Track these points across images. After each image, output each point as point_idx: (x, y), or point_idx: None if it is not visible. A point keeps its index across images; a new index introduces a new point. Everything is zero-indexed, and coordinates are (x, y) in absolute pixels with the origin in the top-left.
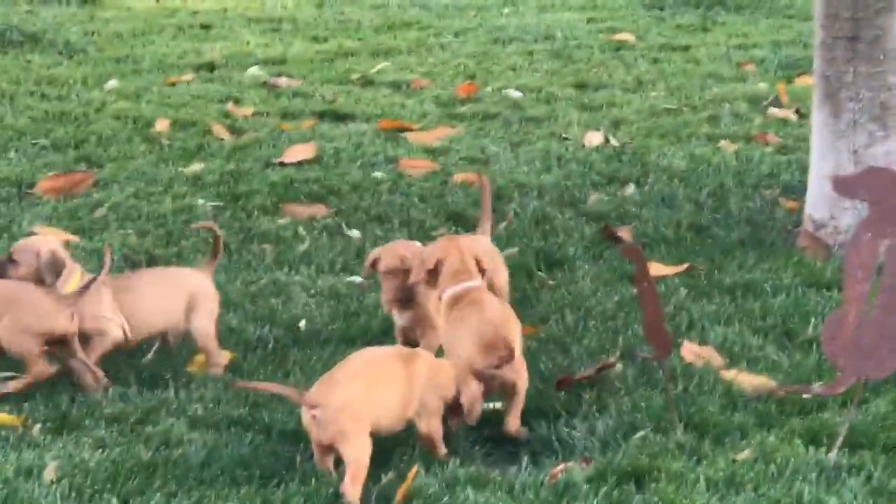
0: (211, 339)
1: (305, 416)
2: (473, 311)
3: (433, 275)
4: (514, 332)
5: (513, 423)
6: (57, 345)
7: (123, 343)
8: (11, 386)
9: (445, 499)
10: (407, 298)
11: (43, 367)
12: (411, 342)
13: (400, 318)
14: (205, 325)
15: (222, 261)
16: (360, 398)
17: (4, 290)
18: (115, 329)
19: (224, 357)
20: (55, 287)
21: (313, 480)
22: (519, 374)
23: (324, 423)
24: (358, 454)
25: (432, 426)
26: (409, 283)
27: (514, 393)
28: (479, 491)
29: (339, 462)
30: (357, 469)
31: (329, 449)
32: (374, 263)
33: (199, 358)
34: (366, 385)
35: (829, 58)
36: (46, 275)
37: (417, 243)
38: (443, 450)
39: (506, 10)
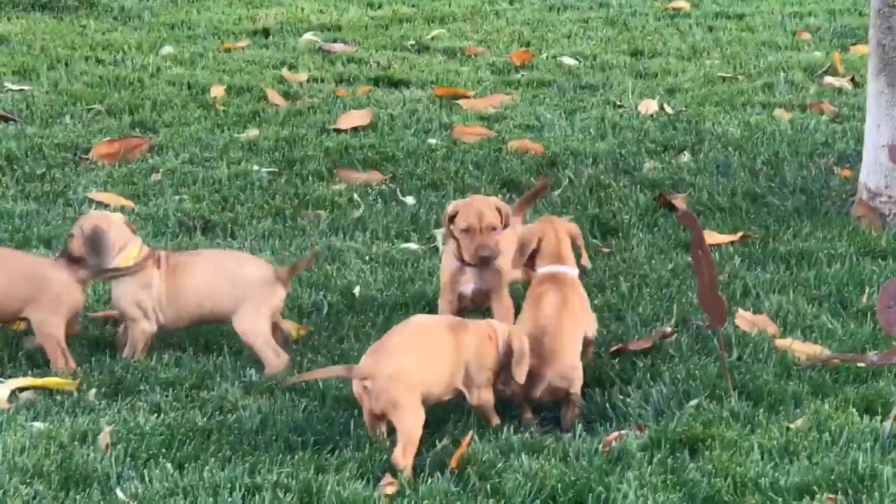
0: (257, 337)
1: (356, 386)
2: (539, 301)
3: (530, 254)
4: (567, 335)
5: (566, 424)
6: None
7: (157, 332)
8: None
9: (499, 465)
10: (490, 258)
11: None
12: (466, 313)
13: (472, 282)
14: (249, 320)
15: (277, 226)
16: (410, 368)
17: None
18: (143, 322)
19: (281, 360)
20: (97, 261)
21: (367, 447)
22: (570, 380)
23: (375, 393)
24: (409, 424)
25: (483, 397)
26: (514, 257)
27: (567, 399)
28: (533, 457)
29: (392, 430)
30: (408, 438)
31: (381, 418)
32: (453, 218)
33: None
34: (416, 354)
35: (886, 26)
36: (86, 250)
37: (495, 199)
38: (496, 419)
39: None
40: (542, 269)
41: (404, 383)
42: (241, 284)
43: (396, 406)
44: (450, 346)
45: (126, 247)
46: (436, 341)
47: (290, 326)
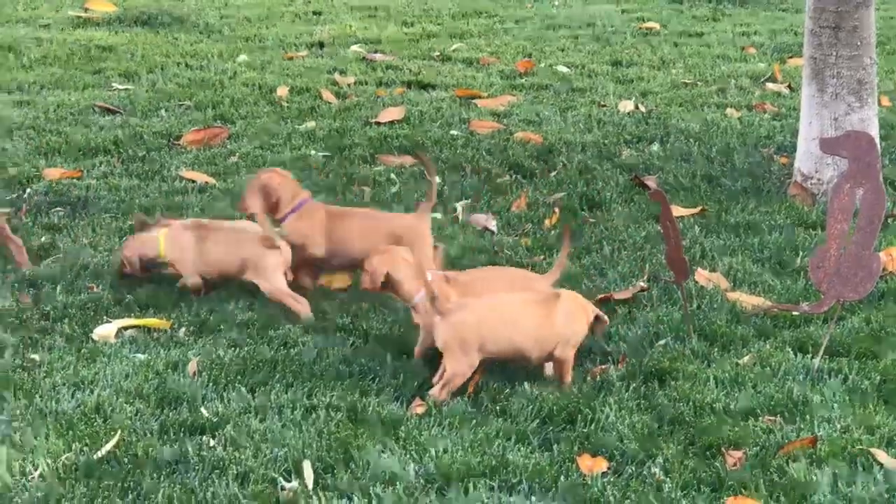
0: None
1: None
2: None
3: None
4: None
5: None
6: None
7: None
8: None
9: (507, 390)
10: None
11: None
12: None
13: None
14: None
15: (329, 198)
16: (477, 322)
17: None
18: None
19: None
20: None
21: (402, 376)
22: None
23: (438, 330)
24: (456, 368)
25: (567, 353)
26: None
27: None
28: (534, 386)
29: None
30: (451, 379)
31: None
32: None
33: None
34: (492, 313)
35: (817, 43)
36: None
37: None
38: (569, 380)
39: (556, 3)
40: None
41: (464, 332)
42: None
43: (450, 350)
44: (535, 316)
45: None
46: (519, 309)
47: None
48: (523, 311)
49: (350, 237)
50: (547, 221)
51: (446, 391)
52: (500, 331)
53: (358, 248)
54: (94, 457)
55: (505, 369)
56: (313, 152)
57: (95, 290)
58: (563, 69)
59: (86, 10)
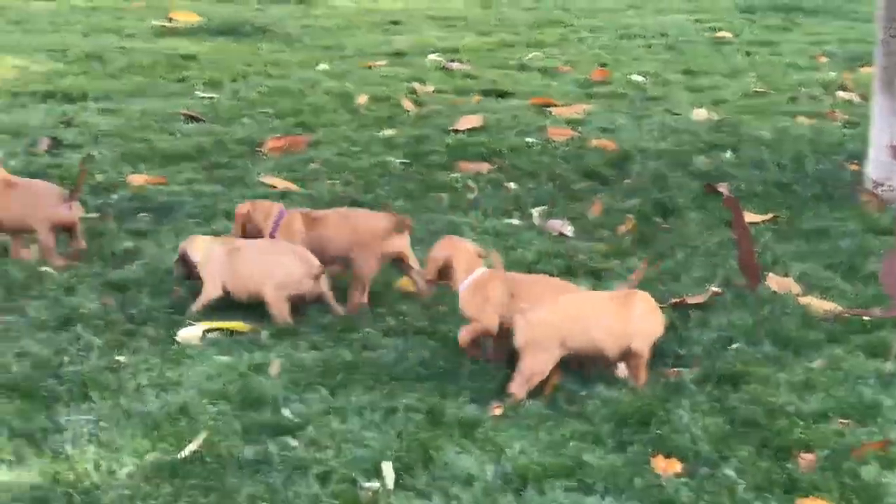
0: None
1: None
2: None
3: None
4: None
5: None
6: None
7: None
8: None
9: (583, 392)
10: None
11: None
12: None
13: None
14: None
15: (409, 205)
16: (558, 319)
17: None
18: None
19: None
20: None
21: (479, 378)
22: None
23: (518, 328)
24: (535, 366)
25: (643, 349)
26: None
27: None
28: (609, 388)
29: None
30: (529, 376)
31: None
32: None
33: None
34: (571, 310)
35: (888, 52)
36: None
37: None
38: (644, 379)
39: (630, 13)
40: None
41: (543, 331)
42: None
43: (529, 347)
44: (611, 314)
45: None
46: (596, 308)
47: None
48: (601, 307)
49: (327, 237)
50: (621, 227)
51: (525, 388)
52: (580, 327)
53: (335, 246)
54: (179, 456)
55: (580, 373)
56: (392, 159)
57: (180, 293)
58: (637, 78)
59: (170, 20)
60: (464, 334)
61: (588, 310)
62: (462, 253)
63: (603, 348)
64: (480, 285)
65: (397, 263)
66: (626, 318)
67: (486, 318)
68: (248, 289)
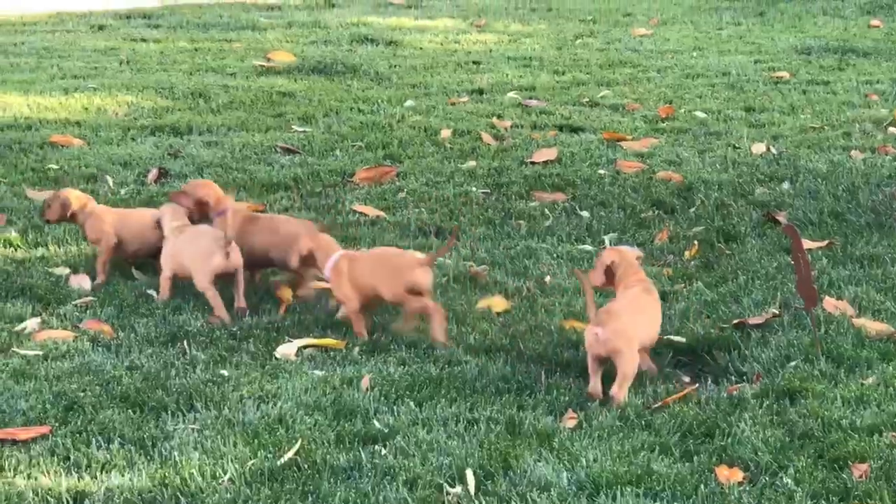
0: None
1: (589, 335)
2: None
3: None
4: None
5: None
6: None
7: None
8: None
9: (656, 405)
10: None
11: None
12: None
13: None
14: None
15: (490, 231)
16: (630, 324)
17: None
18: None
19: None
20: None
21: (555, 391)
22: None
23: (603, 341)
24: (628, 366)
25: None
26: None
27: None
28: (677, 403)
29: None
30: (625, 378)
31: (603, 361)
32: None
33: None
34: (633, 314)
35: None
36: None
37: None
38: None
39: (695, 54)
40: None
41: (625, 335)
42: None
43: (619, 352)
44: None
45: None
46: (645, 304)
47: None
48: (654, 306)
49: (252, 239)
50: (687, 253)
51: (624, 390)
52: (647, 327)
53: (258, 248)
54: (277, 463)
55: (654, 387)
56: (474, 189)
57: (282, 312)
58: (700, 115)
59: (268, 60)
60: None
61: (650, 310)
62: (322, 241)
63: (653, 343)
64: (338, 268)
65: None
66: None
67: (344, 297)
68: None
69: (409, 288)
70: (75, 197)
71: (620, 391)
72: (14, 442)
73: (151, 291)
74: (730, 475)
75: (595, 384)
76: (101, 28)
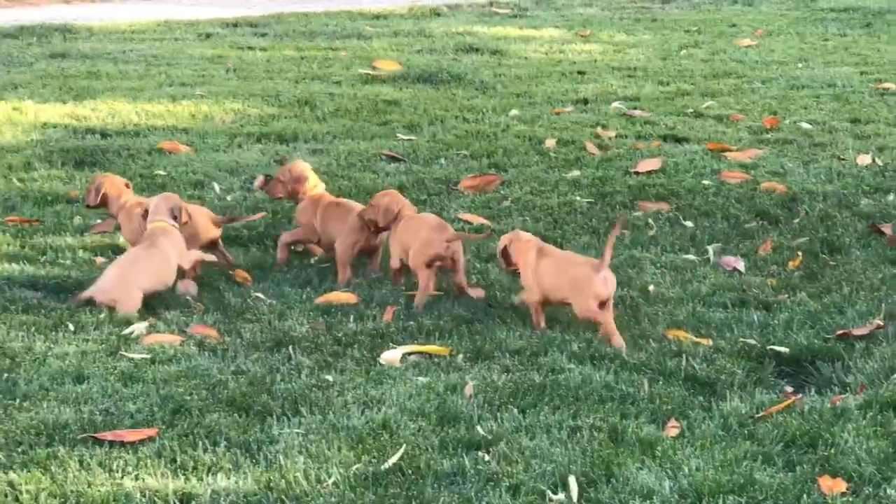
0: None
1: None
2: None
3: None
4: None
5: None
6: None
7: None
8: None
9: (759, 415)
10: None
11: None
12: None
13: None
14: None
15: (593, 241)
16: None
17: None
18: None
19: None
20: None
21: (657, 400)
22: None
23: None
24: None
25: None
26: None
27: None
28: (780, 413)
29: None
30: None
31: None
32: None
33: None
34: None
35: None
36: None
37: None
38: None
39: (800, 65)
40: None
41: None
42: None
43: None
44: None
45: None
46: None
47: None
48: None
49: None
50: (791, 263)
51: None
52: None
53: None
54: (381, 468)
55: (753, 395)
56: (578, 198)
57: (388, 318)
58: (805, 125)
59: (374, 68)
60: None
61: None
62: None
63: None
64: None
65: None
66: None
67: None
68: None
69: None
70: (110, 183)
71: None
72: (122, 444)
73: (259, 294)
74: (833, 486)
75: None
76: (208, 36)
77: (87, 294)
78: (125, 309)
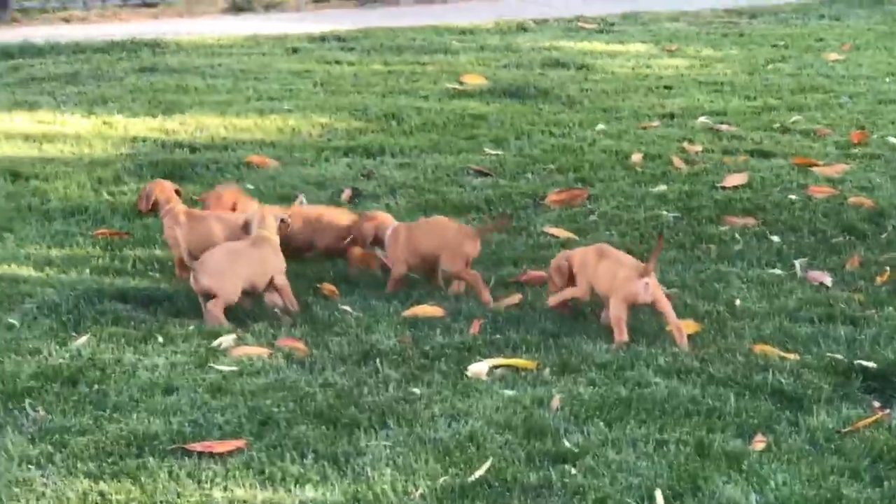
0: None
1: (639, 285)
2: None
3: None
4: None
5: None
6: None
7: None
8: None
9: (846, 430)
10: None
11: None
12: None
13: None
14: None
15: (680, 254)
16: None
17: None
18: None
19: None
20: None
21: (744, 414)
22: None
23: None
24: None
25: None
26: None
27: None
28: (868, 428)
29: None
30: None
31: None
32: None
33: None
34: None
35: None
36: None
37: None
38: None
39: (888, 80)
40: None
41: None
42: None
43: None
44: None
45: None
46: None
47: None
48: None
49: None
50: (878, 279)
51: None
52: None
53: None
54: (468, 480)
55: (840, 410)
56: (665, 213)
57: (475, 332)
58: (893, 140)
59: (460, 83)
60: None
61: None
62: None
63: None
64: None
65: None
66: None
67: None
68: None
69: None
70: (160, 189)
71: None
72: (211, 455)
73: (346, 307)
74: None
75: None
76: (295, 51)
77: (193, 274)
78: (224, 296)
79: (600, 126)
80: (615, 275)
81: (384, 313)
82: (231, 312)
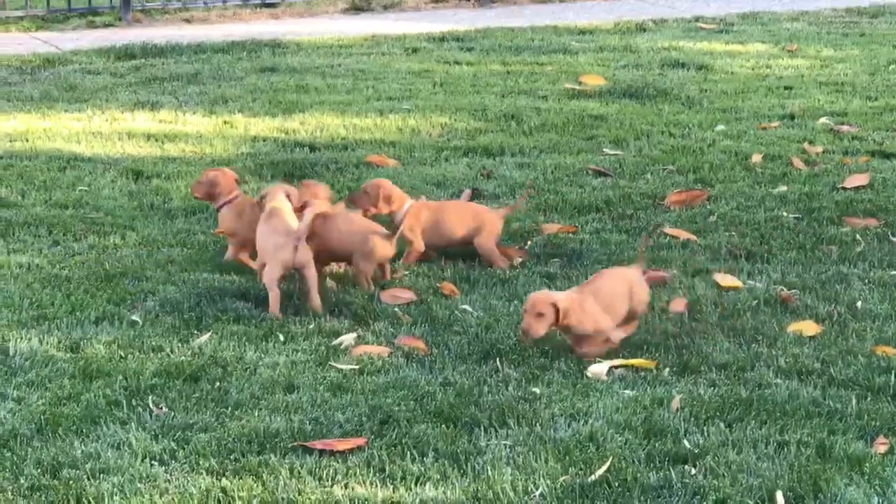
0: None
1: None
2: None
3: None
4: None
5: None
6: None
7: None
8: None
9: None
10: None
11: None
12: None
13: None
14: None
15: (800, 256)
16: None
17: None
18: None
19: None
20: None
21: (865, 416)
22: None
23: None
24: None
25: None
26: None
27: None
28: None
29: None
30: None
31: None
32: None
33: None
34: None
35: None
36: None
37: None
38: None
39: None
40: None
41: None
42: None
43: None
44: None
45: None
46: None
47: None
48: None
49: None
50: None
51: None
52: None
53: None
54: (588, 480)
55: None
56: (785, 214)
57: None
58: None
59: (580, 83)
60: None
61: None
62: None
63: None
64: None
65: None
66: None
67: None
68: None
69: None
70: (224, 177)
71: None
72: (332, 452)
73: (466, 307)
74: None
75: None
76: (414, 51)
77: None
78: (311, 275)
79: (720, 126)
80: None
81: (504, 313)
82: (352, 310)
